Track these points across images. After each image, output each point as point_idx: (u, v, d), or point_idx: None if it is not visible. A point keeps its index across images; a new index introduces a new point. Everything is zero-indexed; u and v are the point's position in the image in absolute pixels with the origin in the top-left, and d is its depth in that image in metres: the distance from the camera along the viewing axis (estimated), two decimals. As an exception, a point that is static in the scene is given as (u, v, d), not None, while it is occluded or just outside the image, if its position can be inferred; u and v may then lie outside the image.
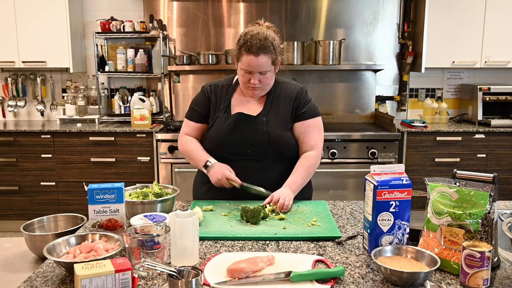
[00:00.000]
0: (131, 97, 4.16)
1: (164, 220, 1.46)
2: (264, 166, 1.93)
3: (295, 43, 4.05)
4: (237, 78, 2.00)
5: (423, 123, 3.94)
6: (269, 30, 1.93)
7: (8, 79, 4.33)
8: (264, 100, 1.97)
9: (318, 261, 1.31)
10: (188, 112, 2.05)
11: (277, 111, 1.95)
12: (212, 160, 1.90)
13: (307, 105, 1.97)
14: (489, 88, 4.07)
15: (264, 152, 1.91)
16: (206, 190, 1.99)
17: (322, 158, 3.65)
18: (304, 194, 1.97)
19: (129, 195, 1.69)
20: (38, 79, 4.35)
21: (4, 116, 4.44)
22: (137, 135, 3.83)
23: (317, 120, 1.98)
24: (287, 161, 1.95)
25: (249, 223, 1.60)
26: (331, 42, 4.06)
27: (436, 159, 3.88)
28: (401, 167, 1.35)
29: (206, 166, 1.90)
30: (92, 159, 3.85)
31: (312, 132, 1.95)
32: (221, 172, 1.86)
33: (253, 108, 1.96)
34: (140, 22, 4.09)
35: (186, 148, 2.01)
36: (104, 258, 1.19)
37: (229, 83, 2.03)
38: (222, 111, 1.96)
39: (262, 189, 1.83)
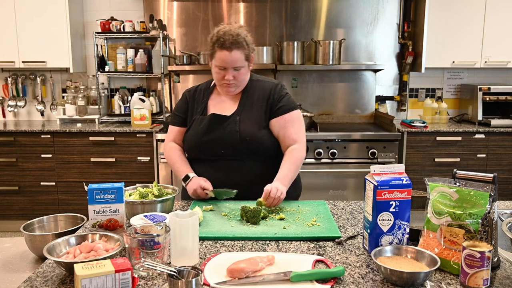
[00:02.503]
0: (131, 97, 4.16)
1: (164, 220, 1.46)
2: (240, 165, 1.93)
3: (295, 43, 4.05)
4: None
5: (423, 123, 3.94)
6: (241, 28, 1.94)
7: (8, 79, 4.33)
8: (239, 99, 1.99)
9: (318, 261, 1.31)
10: (171, 118, 2.12)
11: (251, 110, 1.96)
12: (191, 174, 1.94)
13: (283, 99, 1.97)
14: (489, 88, 4.07)
15: (238, 151, 1.92)
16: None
17: (322, 158, 3.69)
18: (291, 195, 1.95)
19: (129, 195, 1.70)
20: (38, 79, 4.35)
21: (4, 116, 4.44)
22: (137, 135, 3.83)
23: (295, 114, 1.98)
24: (262, 159, 1.95)
25: (249, 223, 1.60)
26: (331, 42, 4.06)
27: (436, 159, 3.88)
28: (401, 167, 1.35)
29: (185, 179, 1.94)
30: (92, 159, 3.85)
31: (291, 127, 1.95)
32: (196, 183, 1.88)
33: (228, 108, 1.98)
34: (140, 22, 4.09)
35: (169, 157, 2.07)
36: (104, 258, 1.19)
37: (208, 86, 2.08)
38: (199, 113, 2.01)
39: (228, 190, 1.83)
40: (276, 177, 1.85)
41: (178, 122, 2.07)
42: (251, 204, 1.68)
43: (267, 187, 1.76)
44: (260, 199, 1.74)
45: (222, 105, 2.00)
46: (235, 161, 1.93)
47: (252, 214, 1.60)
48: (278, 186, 1.77)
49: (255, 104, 1.96)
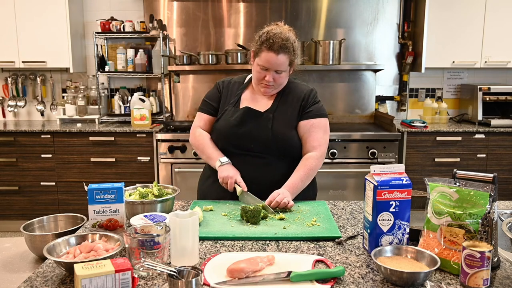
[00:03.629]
0: (131, 97, 4.16)
1: (164, 220, 1.46)
2: (267, 163, 1.93)
3: (295, 43, 4.05)
4: (250, 77, 2.04)
5: (423, 123, 3.94)
6: (290, 32, 1.93)
7: (8, 79, 4.33)
8: (274, 98, 1.99)
9: (318, 261, 1.31)
10: (201, 105, 2.09)
11: (284, 110, 1.96)
12: (226, 159, 1.92)
13: (314, 105, 1.98)
14: (489, 88, 4.08)
15: (267, 149, 1.92)
16: (210, 184, 2.01)
17: (322, 158, 3.69)
18: (307, 194, 1.96)
19: (129, 195, 1.70)
20: (38, 79, 4.35)
21: (4, 116, 4.44)
22: (137, 135, 3.83)
23: (322, 121, 1.98)
24: (290, 160, 1.95)
25: (249, 223, 1.60)
26: (331, 42, 4.06)
27: (436, 159, 3.88)
28: (401, 167, 1.35)
29: (219, 162, 1.91)
30: (92, 159, 3.85)
31: (316, 133, 1.95)
32: (233, 172, 1.88)
33: (262, 105, 1.98)
34: (140, 22, 4.09)
35: (198, 142, 2.03)
36: (104, 258, 1.19)
37: (242, 80, 2.08)
38: (231, 104, 2.00)
39: (262, 204, 1.74)
40: (285, 184, 1.84)
41: (209, 110, 2.04)
42: (251, 204, 1.68)
43: (274, 193, 1.77)
44: (265, 203, 1.74)
45: (256, 101, 2.00)
46: (263, 158, 1.93)
47: (252, 214, 1.60)
48: (285, 193, 1.77)
49: (289, 104, 1.97)
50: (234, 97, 2.02)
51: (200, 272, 1.08)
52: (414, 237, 1.38)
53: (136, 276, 1.15)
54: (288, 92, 1.99)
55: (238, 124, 1.93)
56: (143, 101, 4.08)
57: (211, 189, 1.99)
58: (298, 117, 1.96)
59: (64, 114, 4.20)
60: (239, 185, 1.85)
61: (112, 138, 3.83)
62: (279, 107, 1.96)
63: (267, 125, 1.91)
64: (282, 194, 1.76)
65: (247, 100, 2.01)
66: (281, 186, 1.84)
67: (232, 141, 1.95)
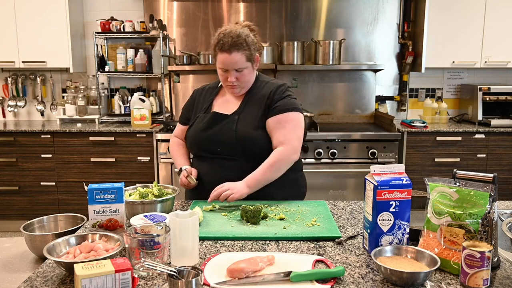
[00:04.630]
0: (131, 97, 4.16)
1: (164, 220, 1.46)
2: (235, 165, 1.92)
3: (295, 43, 4.05)
4: None
5: (423, 123, 3.94)
6: (244, 28, 1.93)
7: (8, 79, 4.33)
8: (242, 99, 2.00)
9: (318, 261, 1.31)
10: (180, 115, 2.19)
11: (250, 110, 1.95)
12: (184, 167, 2.00)
13: (282, 100, 1.93)
14: (489, 88, 4.08)
15: (233, 151, 1.92)
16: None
17: (322, 158, 3.69)
18: (290, 194, 1.96)
19: (129, 195, 1.70)
20: (38, 79, 4.35)
21: (4, 116, 4.44)
22: (137, 135, 3.83)
23: (291, 115, 1.91)
24: (259, 160, 1.90)
25: (249, 223, 1.60)
26: (331, 42, 4.06)
27: (436, 159, 3.88)
28: (401, 167, 1.35)
29: (179, 172, 2.00)
30: (92, 159, 3.85)
31: (282, 128, 1.89)
32: (184, 173, 1.95)
33: (230, 108, 1.99)
34: (140, 22, 4.09)
35: (171, 151, 2.17)
36: (104, 258, 1.19)
37: (216, 85, 2.11)
38: (203, 111, 2.03)
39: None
40: (246, 178, 1.83)
41: (182, 120, 2.15)
42: (251, 204, 1.68)
43: (220, 185, 1.79)
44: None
45: (226, 104, 2.01)
46: (231, 160, 1.93)
47: (252, 214, 1.60)
48: (232, 187, 1.78)
49: (255, 104, 1.96)
50: (206, 103, 2.05)
51: (200, 272, 1.08)
52: (414, 237, 1.38)
53: (136, 276, 1.15)
54: (255, 92, 1.98)
55: (205, 129, 1.96)
56: (143, 101, 4.08)
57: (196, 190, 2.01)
58: (264, 116, 1.93)
59: (64, 114, 4.20)
60: (192, 178, 1.94)
61: (112, 138, 3.83)
62: (246, 108, 1.96)
63: (231, 128, 1.92)
64: (227, 186, 1.77)
65: (218, 104, 2.04)
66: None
67: (201, 146, 1.98)
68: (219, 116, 1.97)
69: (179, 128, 2.16)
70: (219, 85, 2.08)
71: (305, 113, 3.82)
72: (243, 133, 1.90)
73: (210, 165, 1.96)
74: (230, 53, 1.85)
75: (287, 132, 1.89)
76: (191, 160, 2.12)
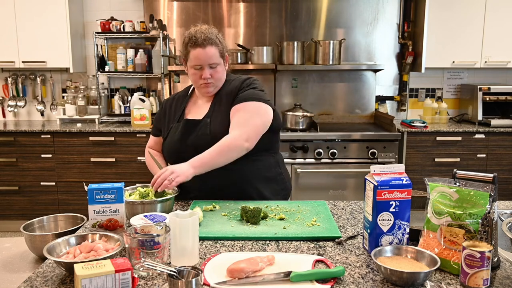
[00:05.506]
0: (131, 97, 4.16)
1: (164, 220, 1.46)
2: (218, 168, 1.83)
3: (295, 43, 4.05)
4: (193, 87, 2.04)
5: (423, 123, 3.94)
6: (211, 28, 1.93)
7: (8, 79, 4.33)
8: (211, 101, 1.98)
9: (318, 261, 1.31)
10: (152, 127, 2.19)
11: (220, 110, 1.92)
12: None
13: (244, 92, 1.90)
14: (489, 88, 4.08)
15: None
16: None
17: (322, 158, 3.69)
18: (278, 188, 1.96)
19: (129, 195, 1.70)
20: (38, 79, 4.35)
21: (4, 116, 4.44)
22: (137, 135, 3.83)
23: (250, 104, 1.85)
24: (240, 158, 1.83)
25: (249, 223, 1.60)
26: (331, 42, 4.06)
27: (436, 159, 3.88)
28: (401, 167, 1.35)
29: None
30: (92, 159, 3.85)
31: (237, 117, 1.83)
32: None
33: (201, 112, 1.97)
34: (140, 22, 4.09)
35: (147, 162, 2.11)
36: (104, 258, 1.19)
37: (186, 93, 2.09)
38: (175, 121, 2.01)
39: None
40: (192, 159, 1.74)
41: (154, 132, 2.14)
42: (251, 204, 1.68)
43: (165, 169, 1.67)
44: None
45: (197, 110, 1.99)
46: None
47: (252, 214, 1.60)
48: (175, 170, 1.65)
49: (223, 102, 1.93)
50: (178, 112, 2.02)
51: (200, 272, 1.08)
52: (414, 237, 1.38)
53: (136, 276, 1.15)
54: (222, 91, 1.96)
55: (180, 138, 1.93)
56: (143, 101, 4.08)
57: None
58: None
59: (64, 114, 4.20)
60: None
61: (112, 138, 3.83)
62: (216, 109, 1.94)
63: (205, 132, 1.89)
64: (170, 170, 1.64)
65: (189, 111, 2.01)
66: (241, 183, 1.87)
67: (180, 155, 1.89)
68: (191, 122, 1.94)
69: (152, 140, 2.14)
70: (189, 92, 2.07)
71: (305, 113, 3.84)
72: (218, 133, 1.85)
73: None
74: (204, 47, 1.84)
75: (242, 120, 1.83)
76: None
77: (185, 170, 1.68)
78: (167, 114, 2.07)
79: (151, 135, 2.16)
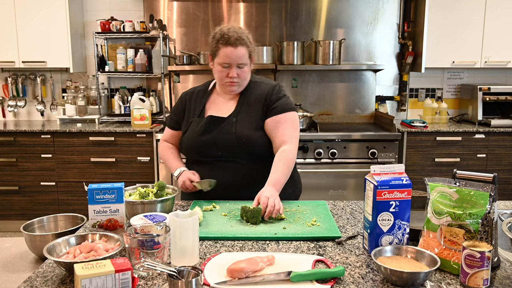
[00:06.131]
0: (131, 97, 4.16)
1: (164, 220, 1.46)
2: (236, 166, 1.93)
3: (295, 43, 4.05)
4: (214, 83, 2.05)
5: (423, 123, 3.94)
6: (241, 28, 1.95)
7: (8, 79, 4.33)
8: (237, 101, 1.99)
9: (318, 261, 1.31)
10: (168, 120, 2.17)
11: (247, 111, 1.95)
12: (182, 168, 2.00)
13: (279, 101, 1.95)
14: (489, 88, 4.08)
15: (234, 153, 1.92)
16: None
17: (322, 158, 3.69)
18: (289, 195, 1.96)
19: (129, 195, 1.70)
20: (38, 79, 4.35)
21: (4, 116, 4.44)
22: (137, 135, 3.83)
23: (289, 115, 1.94)
24: (259, 161, 1.93)
25: (249, 223, 1.60)
26: (331, 42, 4.06)
27: (436, 159, 3.88)
28: (401, 167, 1.35)
29: (176, 173, 2.00)
30: (92, 159, 3.85)
31: (284, 128, 1.91)
32: (186, 176, 1.93)
33: (226, 110, 1.98)
34: (140, 22, 4.09)
35: (162, 155, 2.15)
36: (104, 258, 1.19)
37: (206, 88, 2.09)
38: (196, 115, 2.01)
39: (211, 180, 1.89)
40: (268, 181, 1.78)
41: (171, 125, 2.13)
42: (251, 204, 1.68)
43: (262, 197, 1.66)
44: (254, 206, 1.65)
45: (220, 107, 2.00)
46: (231, 162, 1.93)
47: (252, 214, 1.60)
48: (272, 195, 1.67)
49: (252, 105, 1.96)
50: (198, 107, 2.03)
51: (200, 272, 1.08)
52: (414, 237, 1.38)
53: (136, 276, 1.15)
54: (250, 92, 1.98)
55: (202, 134, 1.95)
56: (143, 101, 4.08)
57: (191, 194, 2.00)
58: (263, 116, 1.94)
59: (64, 114, 4.20)
60: (194, 182, 1.92)
61: (112, 138, 3.83)
62: (242, 109, 1.96)
63: (230, 130, 1.91)
64: (272, 198, 1.65)
65: (211, 108, 2.02)
66: (253, 186, 1.78)
67: (199, 151, 1.96)
68: (216, 119, 1.95)
69: (168, 133, 2.14)
70: (210, 87, 2.07)
71: (305, 113, 3.84)
72: (243, 135, 1.90)
73: (211, 169, 1.94)
74: (236, 47, 1.85)
75: (289, 131, 1.92)
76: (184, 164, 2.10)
77: (275, 195, 1.71)
78: (187, 108, 2.07)
79: (167, 128, 2.14)
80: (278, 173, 1.82)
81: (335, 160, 3.71)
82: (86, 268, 1.07)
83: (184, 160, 2.11)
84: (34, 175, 3.91)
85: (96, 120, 4.12)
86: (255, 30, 4.23)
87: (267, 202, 1.64)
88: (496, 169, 3.84)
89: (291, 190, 2.02)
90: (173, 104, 4.36)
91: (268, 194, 1.68)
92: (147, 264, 1.10)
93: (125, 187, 1.57)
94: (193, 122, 2.00)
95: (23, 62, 4.02)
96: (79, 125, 4.04)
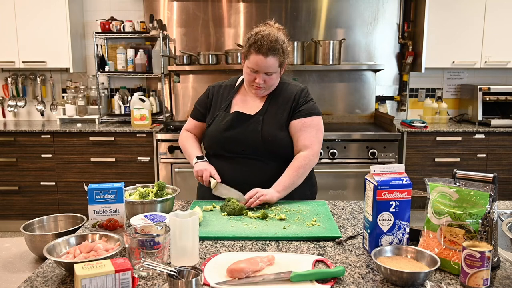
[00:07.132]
0: (131, 97, 4.16)
1: (164, 220, 1.46)
2: (259, 165, 1.93)
3: (295, 43, 4.05)
4: (242, 79, 2.05)
5: (423, 123, 3.94)
6: (280, 32, 1.93)
7: (8, 79, 4.33)
8: (264, 100, 1.99)
9: (318, 261, 1.31)
10: (192, 110, 2.15)
11: (275, 111, 1.96)
12: (201, 156, 2.00)
13: (306, 104, 1.97)
14: (489, 88, 4.08)
15: (258, 151, 1.92)
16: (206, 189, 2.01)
17: (322, 158, 3.69)
18: (304, 194, 1.97)
19: (129, 195, 1.70)
20: (38, 79, 4.35)
21: (4, 116, 4.44)
22: (137, 135, 3.83)
23: (315, 120, 1.96)
24: (282, 161, 1.94)
25: (236, 216, 1.66)
26: (331, 42, 4.06)
27: (436, 159, 3.88)
28: (401, 167, 1.35)
29: (195, 159, 1.99)
30: (92, 159, 3.85)
31: (308, 132, 1.93)
32: (206, 166, 1.94)
33: (252, 107, 1.98)
34: (140, 22, 4.09)
35: (182, 143, 2.12)
36: (104, 258, 1.19)
37: (233, 83, 2.09)
38: (222, 109, 2.01)
39: (238, 194, 1.85)
40: (274, 184, 1.85)
41: (196, 116, 2.11)
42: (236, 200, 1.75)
43: (254, 190, 1.79)
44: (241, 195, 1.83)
45: (247, 104, 2.00)
46: (254, 160, 1.93)
47: (231, 208, 1.67)
48: (263, 191, 1.78)
49: (279, 106, 1.97)
50: (225, 101, 2.03)
51: (200, 272, 1.08)
52: (414, 237, 1.38)
53: (136, 276, 1.15)
54: (278, 93, 1.99)
55: (228, 129, 1.95)
56: (143, 101, 4.08)
57: (210, 191, 1.99)
58: (289, 118, 1.95)
59: (64, 114, 4.20)
60: (213, 178, 1.90)
61: (112, 138, 3.83)
62: (270, 109, 1.96)
63: (256, 128, 1.92)
64: (260, 193, 1.77)
65: (238, 104, 2.02)
66: (272, 183, 1.85)
67: (223, 146, 1.97)
68: (242, 116, 1.96)
69: (192, 123, 2.12)
70: (237, 84, 2.07)
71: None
72: (269, 134, 1.91)
73: (233, 165, 1.95)
74: (266, 57, 1.84)
75: (312, 136, 1.93)
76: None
77: (270, 192, 1.80)
78: (213, 101, 2.06)
79: (190, 118, 2.13)
80: (285, 177, 1.86)
81: (335, 160, 3.71)
82: (86, 268, 1.07)
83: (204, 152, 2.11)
84: (34, 175, 3.91)
85: (96, 120, 4.12)
86: (255, 30, 4.22)
87: (253, 195, 1.76)
88: (496, 169, 3.84)
89: (309, 192, 2.04)
90: (173, 104, 4.36)
91: (262, 191, 1.79)
92: (147, 264, 1.10)
93: (125, 187, 1.57)
94: (219, 116, 2.00)
95: (23, 62, 4.02)
96: (79, 125, 4.04)
